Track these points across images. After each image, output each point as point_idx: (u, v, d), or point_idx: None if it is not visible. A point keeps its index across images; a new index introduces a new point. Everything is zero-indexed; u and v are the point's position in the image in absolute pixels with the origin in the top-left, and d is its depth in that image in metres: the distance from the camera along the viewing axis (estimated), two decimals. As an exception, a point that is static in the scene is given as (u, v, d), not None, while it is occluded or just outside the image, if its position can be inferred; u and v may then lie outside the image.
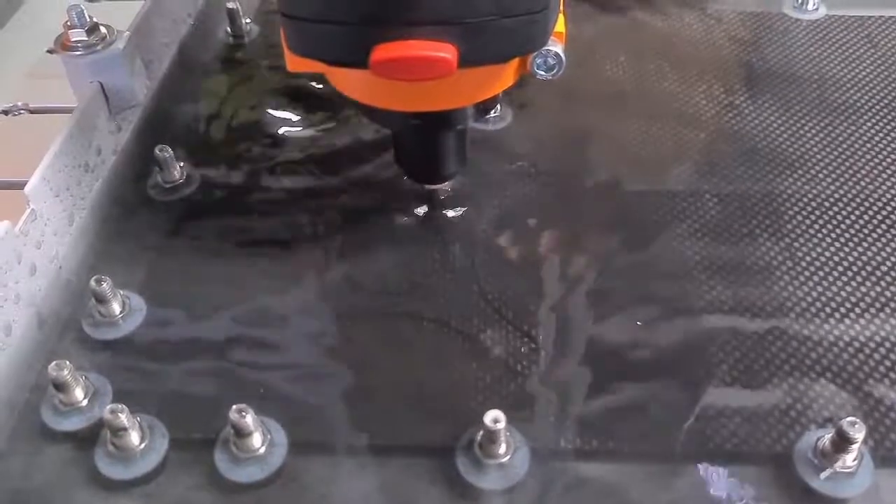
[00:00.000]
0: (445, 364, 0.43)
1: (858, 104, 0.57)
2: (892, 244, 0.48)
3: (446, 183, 0.51)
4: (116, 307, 0.44)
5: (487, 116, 0.55)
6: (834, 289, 0.45)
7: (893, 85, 0.59)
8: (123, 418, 0.37)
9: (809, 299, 0.45)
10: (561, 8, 0.41)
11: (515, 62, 0.41)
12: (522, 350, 0.43)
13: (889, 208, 0.50)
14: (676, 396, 0.41)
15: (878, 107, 0.57)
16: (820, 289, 0.45)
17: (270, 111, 0.58)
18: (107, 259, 0.48)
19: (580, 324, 0.44)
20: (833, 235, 0.48)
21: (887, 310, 0.44)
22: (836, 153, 0.53)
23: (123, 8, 0.58)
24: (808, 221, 0.49)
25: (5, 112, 0.55)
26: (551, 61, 0.41)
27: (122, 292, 0.45)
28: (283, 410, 0.40)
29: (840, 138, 0.55)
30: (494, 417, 0.36)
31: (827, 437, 0.37)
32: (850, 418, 0.36)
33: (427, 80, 0.38)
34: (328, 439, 0.40)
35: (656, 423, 0.40)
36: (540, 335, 0.43)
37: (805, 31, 0.64)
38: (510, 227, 0.49)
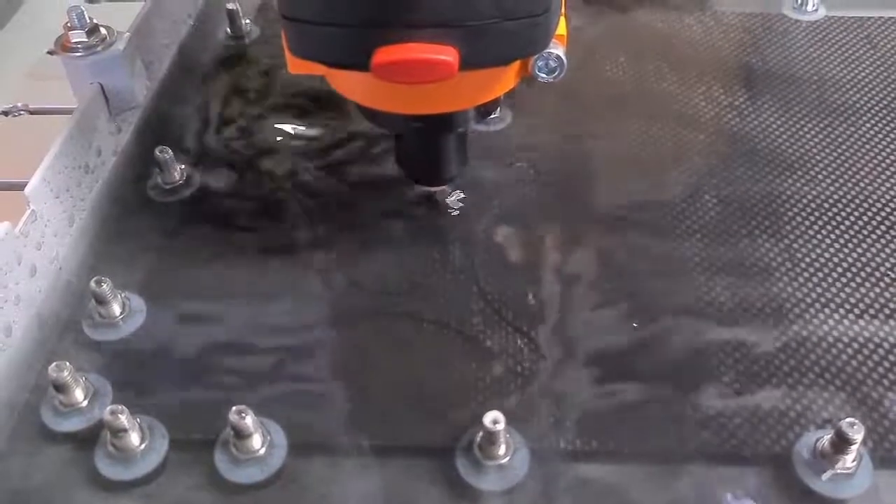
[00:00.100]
0: (445, 365, 0.43)
1: (858, 105, 0.57)
2: (892, 245, 0.48)
3: (446, 185, 0.51)
4: (116, 308, 0.44)
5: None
6: (833, 290, 0.45)
7: (893, 86, 0.59)
8: (123, 419, 0.37)
9: (809, 300, 0.45)
10: (562, 10, 0.41)
11: (517, 65, 0.41)
12: (522, 351, 0.43)
13: (889, 209, 0.50)
14: (676, 397, 0.41)
15: (877, 108, 0.57)
16: (819, 290, 0.45)
17: (271, 112, 0.58)
18: (107, 260, 0.48)
19: (580, 324, 0.44)
20: (833, 236, 0.48)
21: (886, 311, 0.44)
22: (835, 154, 0.54)
23: (123, 9, 0.58)
24: (807, 222, 0.49)
25: (5, 113, 0.55)
26: (553, 64, 0.41)
27: (122, 293, 0.45)
28: (283, 411, 0.40)
29: (840, 139, 0.55)
30: (494, 418, 0.36)
31: (826, 437, 0.37)
32: (848, 419, 0.36)
33: (428, 83, 0.38)
34: (328, 440, 0.40)
35: (656, 424, 0.40)
36: (540, 336, 0.43)
37: (805, 32, 0.64)
38: (510, 227, 0.49)
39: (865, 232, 0.48)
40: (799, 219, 0.49)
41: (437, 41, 0.36)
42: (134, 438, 0.38)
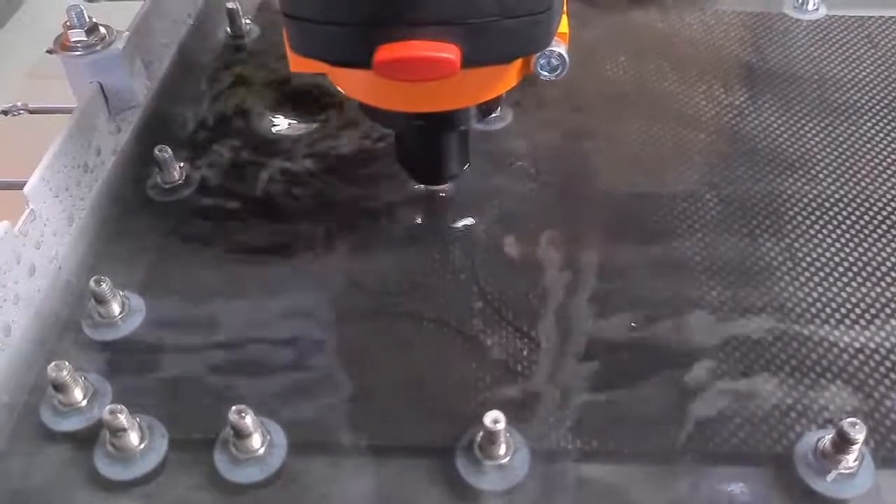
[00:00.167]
0: (445, 364, 0.42)
1: (859, 104, 0.57)
2: (893, 244, 0.48)
3: (448, 183, 0.51)
4: (116, 308, 0.44)
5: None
6: (834, 289, 0.45)
7: (894, 85, 0.59)
8: (123, 419, 0.37)
9: (810, 300, 0.45)
10: (564, 9, 0.41)
11: (519, 63, 0.41)
12: (522, 350, 0.43)
13: (889, 208, 0.50)
14: (677, 397, 0.40)
15: (878, 107, 0.57)
16: (820, 289, 0.45)
17: (271, 111, 0.58)
18: (106, 259, 0.48)
19: (580, 324, 0.44)
20: (834, 236, 0.48)
21: (888, 310, 0.44)
22: (836, 153, 0.53)
23: (123, 8, 0.58)
24: (808, 222, 0.49)
25: (5, 112, 0.55)
26: (555, 62, 0.40)
27: (121, 293, 0.45)
28: (283, 411, 0.40)
29: (840, 138, 0.54)
30: (494, 418, 0.36)
31: (827, 437, 0.37)
32: (850, 419, 0.36)
33: (430, 81, 0.38)
34: (328, 440, 0.40)
35: (656, 424, 0.40)
36: (540, 335, 0.43)
37: (805, 31, 0.64)
38: (510, 226, 0.49)
39: (866, 231, 0.48)
40: (800, 218, 0.49)
41: (440, 39, 0.36)
42: (133, 438, 0.38)
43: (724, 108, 0.57)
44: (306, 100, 0.59)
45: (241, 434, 0.37)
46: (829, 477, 0.37)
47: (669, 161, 0.53)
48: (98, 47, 0.52)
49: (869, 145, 0.54)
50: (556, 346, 0.43)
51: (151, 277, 0.47)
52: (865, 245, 0.48)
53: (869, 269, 0.46)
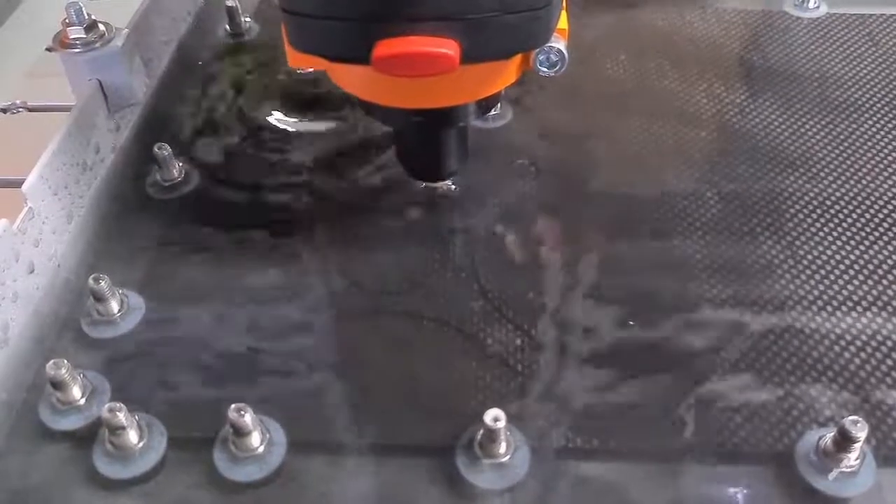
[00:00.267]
0: (445, 363, 0.42)
1: (860, 102, 0.57)
2: (894, 243, 0.47)
3: (447, 181, 0.51)
4: (115, 306, 0.44)
5: (488, 114, 0.55)
6: (836, 287, 0.45)
7: (895, 83, 0.58)
8: (122, 417, 0.37)
9: (811, 298, 0.45)
10: (564, 5, 0.41)
11: (518, 58, 0.41)
12: (522, 349, 0.43)
13: (891, 206, 0.50)
14: (677, 395, 0.40)
15: (879, 105, 0.57)
16: (821, 287, 0.45)
17: (270, 110, 0.58)
18: (105, 257, 0.48)
19: (581, 322, 0.44)
20: (835, 234, 0.48)
21: (889, 308, 0.44)
22: (837, 151, 0.53)
23: (122, 5, 0.58)
24: (809, 220, 0.49)
25: (3, 110, 0.55)
26: (554, 58, 0.40)
27: (120, 291, 0.45)
28: (283, 409, 0.40)
29: (841, 136, 0.54)
30: (494, 416, 0.36)
31: (829, 436, 0.37)
32: (852, 417, 0.36)
33: (429, 77, 0.38)
34: (327, 438, 0.39)
35: (657, 422, 0.39)
36: (540, 334, 0.43)
37: (806, 29, 0.64)
38: (510, 225, 0.49)
39: (868, 229, 0.48)
40: (801, 216, 0.49)
41: (439, 34, 0.36)
42: (132, 436, 0.38)
43: (724, 106, 0.57)
44: (306, 97, 0.59)
45: (240, 432, 0.37)
46: (831, 475, 0.37)
47: (670, 159, 0.53)
48: (97, 45, 0.52)
49: (870, 143, 0.54)
50: (556, 344, 0.43)
51: (150, 275, 0.47)
52: (866, 243, 0.47)
53: (870, 266, 0.46)
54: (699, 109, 0.57)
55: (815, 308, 0.44)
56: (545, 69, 0.41)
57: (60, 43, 0.52)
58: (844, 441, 0.36)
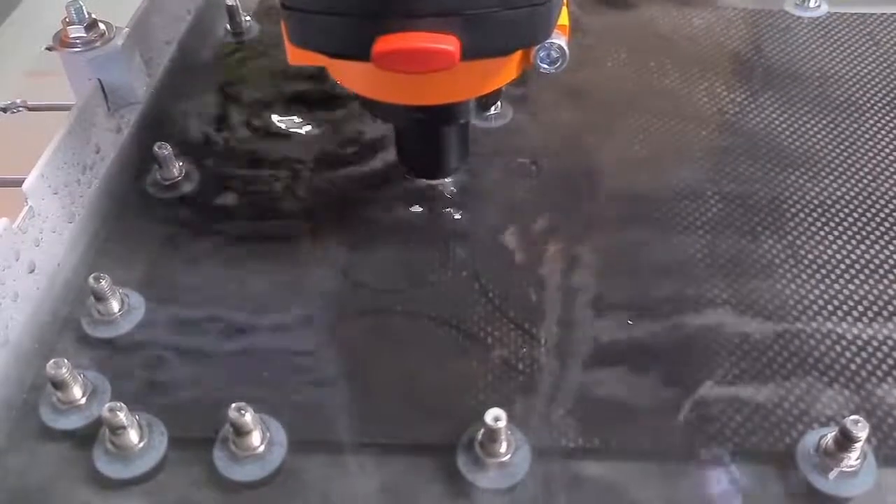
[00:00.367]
0: (446, 362, 0.42)
1: (861, 101, 0.57)
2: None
3: (448, 179, 0.51)
4: (115, 305, 0.44)
5: (488, 113, 0.55)
6: (837, 287, 0.45)
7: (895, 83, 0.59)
8: (122, 416, 0.37)
9: (812, 297, 0.45)
10: (565, 1, 0.41)
11: (518, 55, 0.41)
12: (523, 348, 0.42)
13: (892, 206, 0.49)
14: (678, 395, 0.40)
15: (880, 104, 0.57)
16: (822, 287, 0.45)
17: (270, 108, 0.58)
18: (105, 257, 0.48)
19: (582, 322, 0.44)
20: (836, 233, 0.48)
21: (890, 308, 0.44)
22: (838, 151, 0.53)
23: (123, 4, 0.58)
24: (810, 219, 0.49)
25: (4, 109, 0.55)
26: (555, 54, 0.40)
27: (120, 290, 0.45)
28: (283, 409, 0.40)
29: (843, 136, 0.54)
30: (495, 416, 0.36)
31: (830, 435, 0.37)
32: (853, 416, 0.36)
33: (429, 73, 0.37)
34: (328, 437, 0.39)
35: (658, 422, 0.39)
36: (541, 333, 0.43)
37: (807, 28, 0.64)
38: (511, 224, 0.49)
39: (869, 229, 0.48)
40: (802, 216, 0.49)
41: (439, 30, 0.36)
42: (133, 436, 0.38)
43: (725, 105, 0.57)
44: (306, 96, 0.58)
45: (240, 431, 0.37)
46: (832, 475, 0.37)
47: (671, 158, 0.53)
48: (97, 44, 0.52)
49: (871, 143, 0.54)
50: (557, 343, 0.43)
51: (151, 275, 0.47)
52: (868, 242, 0.47)
53: (871, 266, 0.46)
54: (700, 108, 0.57)
55: (816, 307, 0.44)
56: (546, 66, 0.41)
57: (61, 42, 0.52)
58: (845, 441, 0.36)
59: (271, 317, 0.45)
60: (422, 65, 0.37)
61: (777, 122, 0.55)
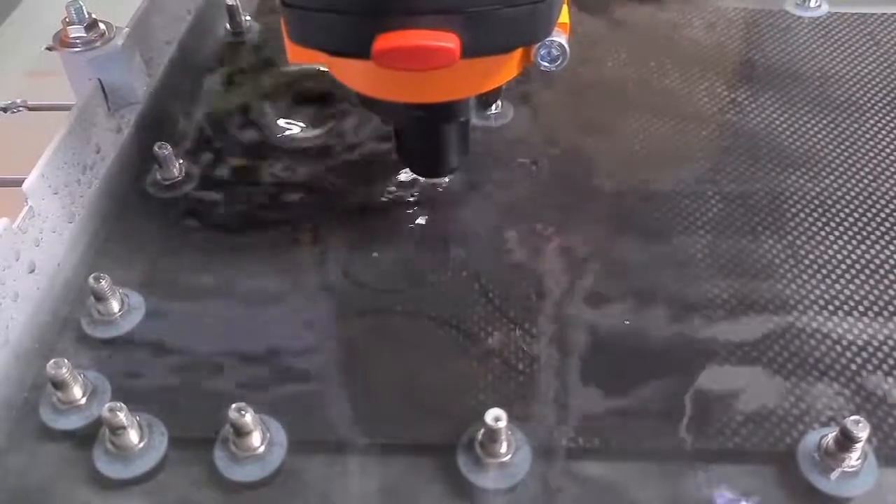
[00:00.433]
0: (446, 362, 0.42)
1: (861, 101, 0.57)
2: (896, 242, 0.47)
3: (448, 178, 0.51)
4: (115, 305, 0.44)
5: (489, 113, 0.55)
6: (837, 287, 0.45)
7: (896, 82, 0.58)
8: (122, 417, 0.37)
9: (812, 297, 0.45)
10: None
11: (519, 53, 0.41)
12: (523, 348, 0.42)
13: (893, 205, 0.49)
14: (678, 395, 0.40)
15: (881, 104, 0.57)
16: (823, 287, 0.45)
17: (270, 108, 0.58)
18: (105, 257, 0.48)
19: (582, 321, 0.44)
20: (836, 233, 0.48)
21: (891, 307, 0.44)
22: (838, 150, 0.53)
23: (123, 4, 0.58)
24: (811, 219, 0.49)
25: (4, 109, 0.55)
26: (555, 52, 0.40)
27: (120, 290, 0.45)
28: (283, 409, 0.40)
29: (843, 135, 0.54)
30: (496, 416, 0.36)
31: (830, 435, 0.37)
32: (853, 416, 0.36)
33: (430, 70, 0.37)
34: (328, 438, 0.39)
35: (658, 422, 0.39)
36: (542, 333, 0.43)
37: (807, 28, 0.64)
38: (511, 223, 0.49)
39: (869, 229, 0.48)
40: (802, 215, 0.49)
41: (439, 28, 0.36)
42: (133, 436, 0.38)
43: (725, 105, 0.57)
44: (306, 95, 0.58)
45: (240, 432, 0.37)
46: (833, 475, 0.37)
47: (671, 158, 0.53)
48: (97, 44, 0.51)
49: (871, 142, 0.54)
50: (557, 343, 0.43)
51: (151, 275, 0.47)
52: (868, 242, 0.47)
53: (872, 266, 0.46)
54: (700, 108, 0.57)
55: (816, 307, 0.44)
56: (546, 63, 0.41)
57: (61, 42, 0.52)
58: (846, 441, 0.36)
59: (271, 317, 0.44)
60: (422, 62, 0.37)
61: (777, 122, 0.55)
